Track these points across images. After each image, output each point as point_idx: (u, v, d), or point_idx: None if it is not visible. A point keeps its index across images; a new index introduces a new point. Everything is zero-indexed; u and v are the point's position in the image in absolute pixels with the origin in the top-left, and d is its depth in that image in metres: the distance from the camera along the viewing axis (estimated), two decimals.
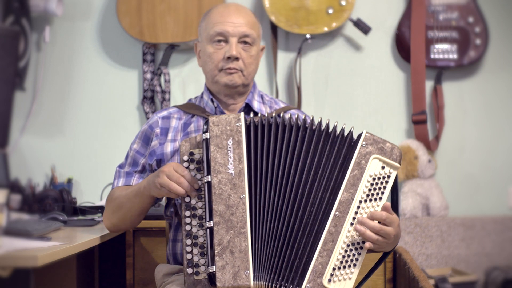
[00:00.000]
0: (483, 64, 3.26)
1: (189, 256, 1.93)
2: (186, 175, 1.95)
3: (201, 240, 1.92)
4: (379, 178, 1.90)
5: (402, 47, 3.22)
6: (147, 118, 3.20)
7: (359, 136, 1.94)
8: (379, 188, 1.90)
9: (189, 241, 1.93)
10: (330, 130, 1.95)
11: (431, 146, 3.18)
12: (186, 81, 3.26)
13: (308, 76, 3.26)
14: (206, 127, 1.94)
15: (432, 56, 3.18)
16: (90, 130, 3.27)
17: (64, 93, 3.27)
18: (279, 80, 3.25)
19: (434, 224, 3.07)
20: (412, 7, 3.18)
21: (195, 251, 1.92)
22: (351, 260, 1.88)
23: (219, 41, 2.15)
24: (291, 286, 1.88)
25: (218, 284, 1.85)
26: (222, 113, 2.19)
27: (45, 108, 3.26)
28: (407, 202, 3.10)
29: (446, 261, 3.07)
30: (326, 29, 3.16)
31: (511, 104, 3.27)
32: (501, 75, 3.26)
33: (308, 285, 1.86)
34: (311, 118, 2.13)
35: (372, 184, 1.90)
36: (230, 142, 1.93)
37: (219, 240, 1.88)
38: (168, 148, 2.17)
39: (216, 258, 1.87)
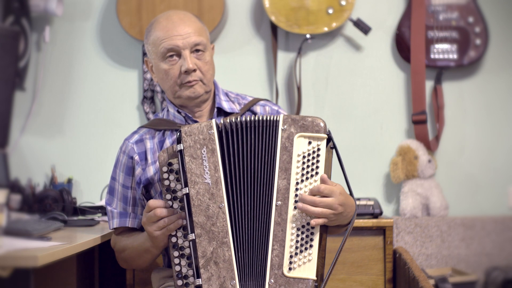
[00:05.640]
0: (483, 64, 3.25)
1: (177, 268, 1.92)
2: (151, 203, 1.94)
3: (187, 251, 1.92)
4: (309, 155, 1.90)
5: (402, 47, 3.22)
6: (148, 119, 3.20)
7: (278, 121, 1.93)
8: (312, 164, 1.89)
9: (176, 253, 1.93)
10: (263, 123, 1.94)
11: (431, 146, 3.18)
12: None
13: (308, 76, 3.26)
14: (179, 137, 1.93)
15: (432, 56, 3.18)
16: (90, 130, 3.27)
17: (64, 93, 3.27)
18: (279, 80, 3.24)
19: (434, 224, 3.07)
20: (412, 7, 3.18)
21: (183, 262, 1.92)
22: (306, 242, 1.87)
23: (172, 56, 2.12)
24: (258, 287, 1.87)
25: None
26: (193, 121, 2.17)
27: (45, 108, 3.26)
28: (407, 202, 3.10)
29: (446, 261, 3.07)
30: (326, 29, 3.16)
31: (511, 104, 3.27)
32: (501, 75, 3.26)
33: (271, 280, 1.86)
34: (277, 107, 2.19)
35: (303, 163, 1.89)
36: (204, 151, 1.92)
37: (202, 252, 1.88)
38: (151, 170, 2.15)
39: (201, 271, 1.87)
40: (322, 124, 1.91)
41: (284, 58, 3.26)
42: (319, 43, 3.27)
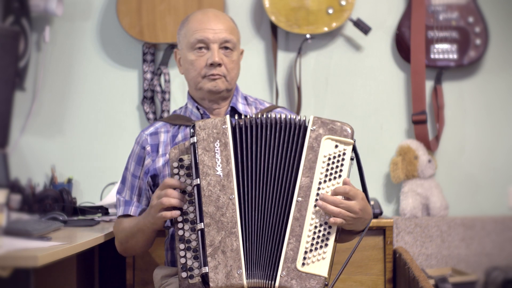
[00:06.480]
0: (483, 64, 3.26)
1: (182, 260, 1.94)
2: (169, 181, 1.97)
3: (194, 244, 1.94)
4: (334, 157, 1.94)
5: (402, 47, 3.22)
6: (148, 119, 3.20)
7: (308, 121, 1.97)
8: (336, 167, 1.94)
9: (182, 246, 1.95)
10: (290, 123, 1.98)
11: (431, 146, 3.18)
12: (185, 81, 3.26)
13: (308, 76, 3.26)
14: (193, 131, 1.97)
15: (432, 56, 3.18)
16: (90, 130, 3.27)
17: (64, 93, 3.27)
18: (279, 80, 3.25)
19: (434, 224, 3.07)
20: (412, 7, 3.18)
21: (189, 255, 1.94)
22: (322, 241, 1.90)
23: (200, 48, 2.18)
24: (269, 279, 1.88)
25: (211, 284, 1.87)
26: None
27: (45, 108, 3.26)
28: (407, 202, 3.10)
29: (446, 261, 3.07)
30: (326, 29, 3.16)
31: (511, 104, 3.27)
32: (501, 75, 3.26)
33: (283, 273, 1.87)
34: (294, 115, 2.18)
35: (328, 164, 1.94)
36: (217, 144, 1.96)
37: (210, 241, 1.90)
38: (160, 162, 2.20)
39: (208, 259, 1.89)
40: (350, 130, 1.96)
41: (284, 58, 3.26)
42: (319, 43, 3.27)
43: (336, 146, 1.95)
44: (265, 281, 1.89)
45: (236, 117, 2.01)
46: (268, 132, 1.97)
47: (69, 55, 3.28)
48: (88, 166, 3.25)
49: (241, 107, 2.25)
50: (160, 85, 3.22)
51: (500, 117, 3.26)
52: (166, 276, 2.20)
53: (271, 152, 1.96)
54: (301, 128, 1.96)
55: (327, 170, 1.93)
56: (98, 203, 2.97)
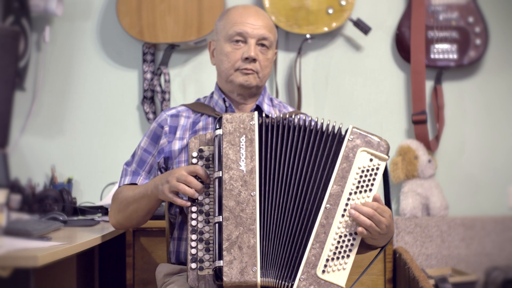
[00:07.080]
0: (483, 64, 3.26)
1: (193, 251, 1.93)
2: (199, 170, 1.96)
3: (206, 236, 1.93)
4: (368, 170, 1.93)
5: (402, 47, 3.22)
6: (148, 119, 3.20)
7: (346, 131, 1.97)
8: (369, 180, 1.93)
9: (194, 237, 1.94)
10: (323, 129, 1.98)
11: (431, 146, 3.18)
12: (186, 81, 3.26)
13: (308, 76, 3.26)
14: (219, 124, 1.96)
15: (432, 56, 3.19)
16: (90, 130, 3.27)
17: (64, 93, 3.27)
18: (279, 80, 3.25)
19: (434, 224, 3.07)
20: (412, 7, 3.18)
21: (200, 246, 1.93)
22: (344, 251, 1.90)
23: (238, 41, 2.18)
24: (286, 280, 1.88)
25: (225, 278, 1.85)
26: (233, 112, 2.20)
27: (45, 108, 3.26)
28: (407, 202, 3.10)
29: (446, 261, 3.07)
30: (326, 29, 3.16)
31: (511, 104, 3.27)
32: (501, 75, 3.26)
33: (302, 276, 1.87)
34: (328, 121, 2.17)
35: (361, 176, 1.93)
36: (243, 139, 1.95)
37: (227, 235, 1.88)
38: (176, 145, 2.19)
39: (224, 253, 1.87)
40: (386, 146, 1.96)
41: (284, 58, 3.26)
42: (319, 43, 3.27)
43: (371, 160, 1.94)
44: (280, 281, 1.88)
45: (264, 115, 2.01)
46: (296, 134, 1.97)
47: (69, 55, 3.28)
48: (88, 166, 3.25)
49: (266, 107, 2.25)
50: (160, 85, 3.22)
51: (500, 117, 3.26)
52: (169, 274, 2.19)
53: (298, 154, 1.95)
54: (337, 136, 1.96)
55: (359, 182, 1.92)
56: (98, 203, 2.97)
